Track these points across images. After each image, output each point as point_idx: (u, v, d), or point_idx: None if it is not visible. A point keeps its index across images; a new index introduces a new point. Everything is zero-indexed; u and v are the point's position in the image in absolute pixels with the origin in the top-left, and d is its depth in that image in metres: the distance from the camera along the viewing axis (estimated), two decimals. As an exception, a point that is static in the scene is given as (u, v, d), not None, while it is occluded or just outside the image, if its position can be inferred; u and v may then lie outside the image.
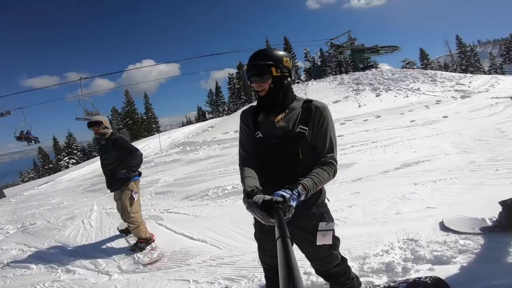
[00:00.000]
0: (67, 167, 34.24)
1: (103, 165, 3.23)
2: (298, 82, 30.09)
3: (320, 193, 1.42)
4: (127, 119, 40.40)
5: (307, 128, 1.34)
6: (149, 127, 42.66)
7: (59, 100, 45.28)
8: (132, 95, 41.89)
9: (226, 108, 45.83)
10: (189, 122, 49.81)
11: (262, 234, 1.49)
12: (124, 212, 3.11)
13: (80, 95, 14.13)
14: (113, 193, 3.23)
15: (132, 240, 3.26)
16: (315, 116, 1.37)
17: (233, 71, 46.08)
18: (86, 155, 40.65)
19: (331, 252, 1.45)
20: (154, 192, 5.59)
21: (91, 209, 5.18)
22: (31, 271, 3.00)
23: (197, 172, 6.74)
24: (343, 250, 2.18)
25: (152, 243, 3.15)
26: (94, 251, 3.27)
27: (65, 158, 39.01)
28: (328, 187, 3.77)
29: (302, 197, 1.17)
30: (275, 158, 1.36)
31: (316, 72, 28.22)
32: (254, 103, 1.56)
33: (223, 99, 47.31)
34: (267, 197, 1.10)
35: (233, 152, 8.48)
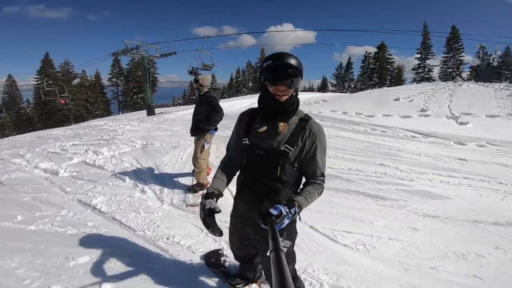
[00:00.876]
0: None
1: (194, 114, 3.94)
2: (456, 80, 24.10)
3: None
4: (257, 73, 44.33)
5: (292, 149, 1.37)
6: (273, 85, 45.58)
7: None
8: (266, 54, 45.13)
9: (352, 86, 42.83)
10: (310, 89, 49.87)
11: (233, 229, 1.74)
12: (194, 157, 3.82)
13: (201, 49, 17.29)
14: (193, 138, 3.95)
15: (194, 181, 3.97)
16: (307, 139, 1.39)
17: (373, 49, 41.20)
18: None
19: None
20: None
21: (190, 144, 6.40)
22: (123, 183, 4.08)
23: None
24: (336, 273, 2.09)
25: (205, 190, 3.77)
26: (169, 180, 4.24)
27: (205, 93, 47.33)
28: (390, 211, 3.31)
29: (296, 215, 1.27)
30: (256, 167, 1.45)
31: (485, 73, 21.66)
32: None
33: (351, 76, 44.20)
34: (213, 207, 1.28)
35: (332, 133, 8.11)
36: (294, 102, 1.39)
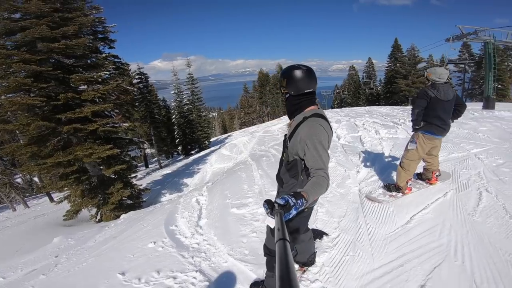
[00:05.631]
0: None
1: None
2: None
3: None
4: None
5: (290, 140, 1.66)
6: None
7: None
8: None
9: None
10: None
11: None
12: (403, 152, 3.50)
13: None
14: None
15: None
16: (299, 134, 1.57)
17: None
18: None
19: (269, 234, 1.85)
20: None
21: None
22: (349, 163, 4.67)
23: None
24: None
25: (399, 194, 3.42)
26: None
27: None
28: None
29: (303, 206, 1.26)
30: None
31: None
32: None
33: None
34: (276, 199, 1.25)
35: None
36: (294, 104, 1.66)
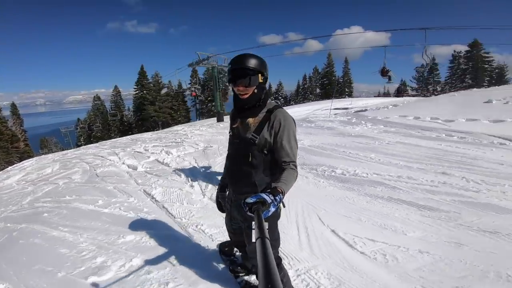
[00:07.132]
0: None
1: None
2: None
3: None
4: (324, 79, 43.71)
5: (258, 137, 1.47)
6: (342, 90, 43.89)
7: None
8: (334, 59, 44.28)
9: (439, 89, 37.62)
10: (386, 94, 45.68)
11: (226, 210, 1.84)
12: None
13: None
14: None
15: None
16: (272, 127, 1.46)
17: (463, 48, 35.45)
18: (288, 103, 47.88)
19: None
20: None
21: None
22: (179, 178, 4.62)
23: (332, 146, 6.29)
24: (339, 279, 2.00)
25: None
26: (216, 178, 4.59)
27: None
28: (434, 222, 3.06)
29: (280, 202, 1.27)
30: (234, 155, 1.62)
31: None
32: None
33: (437, 78, 38.89)
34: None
35: (393, 139, 7.19)
36: (259, 97, 1.49)
